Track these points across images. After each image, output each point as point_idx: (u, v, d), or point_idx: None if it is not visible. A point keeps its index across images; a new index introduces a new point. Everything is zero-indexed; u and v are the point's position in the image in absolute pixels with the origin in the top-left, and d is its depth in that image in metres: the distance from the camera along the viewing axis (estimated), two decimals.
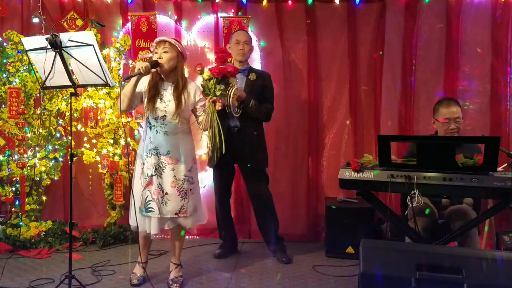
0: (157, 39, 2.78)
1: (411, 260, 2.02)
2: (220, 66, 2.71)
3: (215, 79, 2.67)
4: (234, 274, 3.15)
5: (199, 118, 2.85)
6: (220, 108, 2.68)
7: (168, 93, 2.75)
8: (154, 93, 2.74)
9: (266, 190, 3.45)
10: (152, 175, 2.75)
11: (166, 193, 2.73)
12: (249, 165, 3.35)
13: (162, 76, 2.78)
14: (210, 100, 2.68)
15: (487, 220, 3.11)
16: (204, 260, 3.45)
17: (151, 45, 2.95)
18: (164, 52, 2.70)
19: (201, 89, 2.79)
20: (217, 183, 3.50)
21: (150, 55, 2.79)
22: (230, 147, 3.26)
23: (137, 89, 2.73)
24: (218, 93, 2.68)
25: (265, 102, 3.35)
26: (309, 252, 3.66)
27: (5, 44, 3.75)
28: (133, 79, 2.64)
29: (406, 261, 2.03)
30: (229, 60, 3.39)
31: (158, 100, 2.73)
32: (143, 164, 2.79)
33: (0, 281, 2.93)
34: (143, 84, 2.78)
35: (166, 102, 2.73)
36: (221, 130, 2.71)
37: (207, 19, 4.06)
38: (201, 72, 2.75)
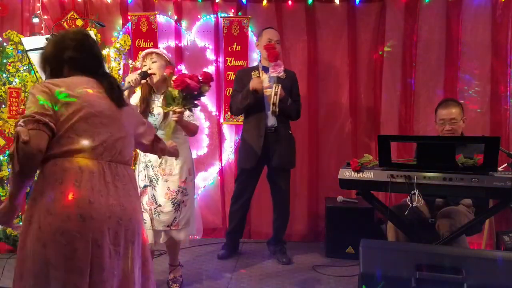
0: (142, 53, 2.79)
1: (411, 260, 2.02)
2: (186, 79, 2.50)
3: (177, 90, 2.53)
4: (234, 274, 3.15)
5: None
6: (177, 118, 2.54)
7: (157, 105, 2.73)
8: (145, 107, 2.73)
9: (289, 192, 3.49)
10: (146, 186, 2.73)
11: (159, 205, 2.69)
12: (281, 166, 3.36)
13: (154, 88, 2.78)
14: (171, 111, 2.55)
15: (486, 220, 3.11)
16: (204, 260, 3.45)
17: (142, 54, 2.87)
18: (153, 62, 2.71)
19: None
20: (245, 183, 3.44)
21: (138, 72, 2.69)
22: (265, 147, 3.28)
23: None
24: (181, 103, 2.52)
25: (294, 100, 3.35)
26: (309, 252, 3.66)
27: (5, 44, 3.75)
28: (125, 94, 2.61)
29: (406, 261, 2.03)
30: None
31: (150, 114, 2.72)
32: (138, 175, 2.77)
33: (0, 281, 2.92)
34: (134, 100, 2.77)
35: (156, 116, 2.71)
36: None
37: (207, 19, 4.06)
38: (170, 78, 2.68)
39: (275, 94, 3.05)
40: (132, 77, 2.60)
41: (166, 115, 2.66)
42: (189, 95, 2.54)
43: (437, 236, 2.57)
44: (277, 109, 3.12)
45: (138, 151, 2.82)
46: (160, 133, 2.65)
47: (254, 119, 3.32)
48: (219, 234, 3.90)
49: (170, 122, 2.59)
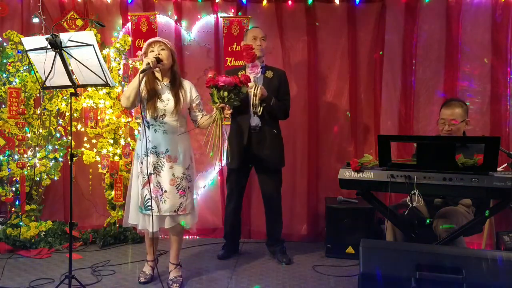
0: (150, 40, 2.80)
1: (411, 260, 2.02)
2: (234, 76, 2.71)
3: (223, 89, 2.65)
4: (234, 274, 3.15)
5: (198, 117, 2.91)
6: (228, 116, 2.68)
7: (165, 92, 2.79)
8: (153, 93, 2.76)
9: (279, 191, 3.46)
10: (150, 174, 2.75)
11: (165, 191, 2.75)
12: (268, 166, 3.33)
13: (159, 75, 2.83)
14: (219, 107, 2.66)
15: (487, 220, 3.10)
16: (204, 260, 3.45)
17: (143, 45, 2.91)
18: (162, 49, 2.75)
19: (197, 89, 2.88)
20: (234, 183, 3.45)
21: (140, 57, 2.80)
22: (250, 147, 3.28)
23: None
24: (226, 101, 2.66)
25: (281, 99, 3.34)
26: (309, 252, 3.66)
27: (5, 44, 3.75)
28: (140, 76, 2.65)
29: (406, 261, 2.03)
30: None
31: (158, 100, 2.76)
32: (141, 163, 2.79)
33: (0, 281, 2.93)
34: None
35: (165, 101, 2.76)
36: (221, 141, 2.71)
37: (207, 19, 4.06)
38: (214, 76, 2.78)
39: (254, 96, 3.05)
40: (150, 59, 2.64)
41: (177, 101, 2.74)
42: (232, 93, 2.67)
43: (435, 236, 2.57)
44: (258, 110, 3.11)
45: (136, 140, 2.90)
46: (168, 119, 2.75)
47: (239, 119, 3.32)
48: (219, 234, 3.90)
49: (219, 117, 2.68)
